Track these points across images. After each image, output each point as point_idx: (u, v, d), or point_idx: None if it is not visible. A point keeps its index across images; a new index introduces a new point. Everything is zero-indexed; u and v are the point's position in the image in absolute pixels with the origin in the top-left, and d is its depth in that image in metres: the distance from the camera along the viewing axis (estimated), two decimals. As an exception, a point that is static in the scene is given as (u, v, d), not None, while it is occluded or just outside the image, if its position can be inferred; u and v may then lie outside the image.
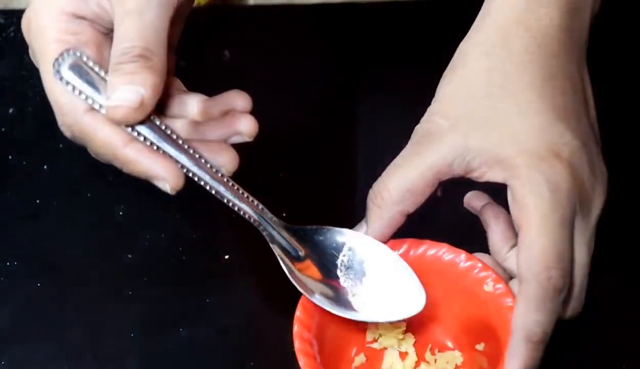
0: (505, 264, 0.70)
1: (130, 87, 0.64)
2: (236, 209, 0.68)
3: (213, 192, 0.67)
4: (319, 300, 0.68)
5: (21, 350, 0.76)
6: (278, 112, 0.88)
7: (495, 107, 0.67)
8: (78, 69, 0.65)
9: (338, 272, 0.69)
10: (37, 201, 0.83)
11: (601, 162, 0.69)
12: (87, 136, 0.66)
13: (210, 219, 0.82)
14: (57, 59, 0.65)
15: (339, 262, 0.70)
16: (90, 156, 0.85)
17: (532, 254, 0.65)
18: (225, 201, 0.68)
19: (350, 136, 0.87)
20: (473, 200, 0.73)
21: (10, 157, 0.86)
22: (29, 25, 0.68)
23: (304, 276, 0.68)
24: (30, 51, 0.69)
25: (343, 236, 0.70)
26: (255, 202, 0.68)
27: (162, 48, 0.66)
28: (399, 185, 0.68)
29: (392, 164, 0.70)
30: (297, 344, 0.67)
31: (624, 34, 0.93)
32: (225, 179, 0.68)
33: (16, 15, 0.93)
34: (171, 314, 0.78)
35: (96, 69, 0.66)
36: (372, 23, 0.93)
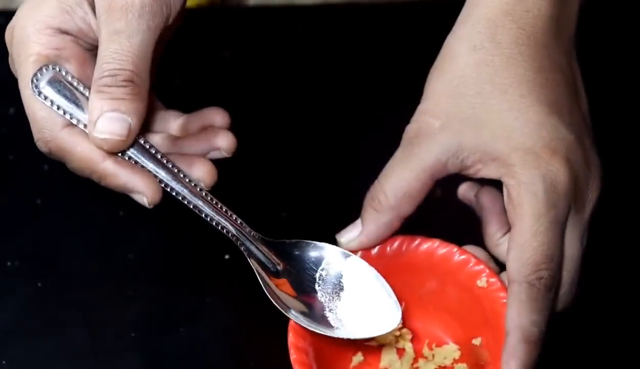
0: (496, 250, 0.70)
1: (117, 116, 0.64)
2: (214, 223, 0.67)
3: (191, 206, 0.67)
4: (294, 316, 0.68)
5: (21, 350, 0.76)
6: (277, 112, 0.88)
7: (486, 103, 0.67)
8: (57, 84, 0.65)
9: (316, 286, 0.69)
10: (37, 201, 0.83)
11: (595, 155, 0.69)
12: (65, 151, 0.66)
13: (210, 219, 0.82)
14: (35, 74, 0.65)
15: (317, 276, 0.69)
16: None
17: (523, 255, 0.65)
18: (203, 215, 0.67)
19: (349, 136, 0.87)
20: (468, 192, 0.73)
21: (10, 157, 0.86)
22: (12, 35, 0.67)
23: (281, 292, 0.68)
24: (9, 60, 0.68)
25: (322, 250, 0.70)
26: (234, 216, 0.68)
27: (147, 73, 0.66)
28: (396, 189, 0.68)
29: (387, 166, 0.69)
30: (293, 355, 0.67)
31: (611, 25, 0.92)
32: (203, 194, 0.67)
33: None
34: (171, 314, 0.78)
35: (75, 84, 0.65)
36: (373, 24, 0.93)
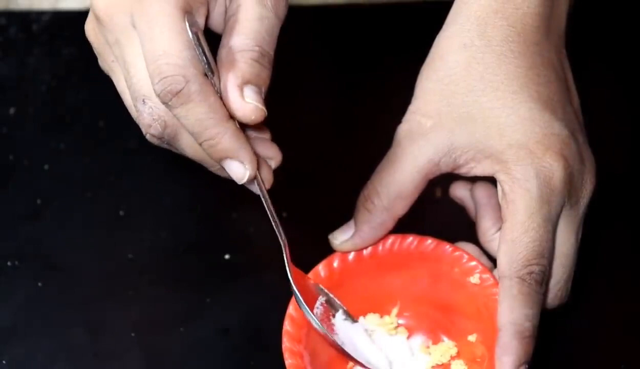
0: (489, 245, 0.70)
1: (258, 91, 0.65)
2: (272, 223, 0.67)
3: (264, 202, 0.67)
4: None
5: (21, 350, 0.76)
6: (276, 112, 0.88)
7: (478, 101, 0.67)
8: (196, 35, 0.64)
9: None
10: (37, 201, 0.83)
11: (588, 150, 0.69)
12: (197, 97, 0.63)
13: (210, 219, 0.82)
14: (188, 14, 0.64)
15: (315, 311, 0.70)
16: (89, 156, 0.86)
17: (514, 251, 0.65)
18: (268, 212, 0.67)
19: (349, 137, 0.87)
20: (460, 190, 0.73)
21: (10, 157, 0.86)
22: None
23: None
24: (108, 19, 0.65)
25: (322, 290, 0.70)
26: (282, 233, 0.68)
27: None
28: (389, 190, 0.68)
29: (379, 167, 0.69)
30: (287, 359, 0.68)
31: (602, 23, 0.92)
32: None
33: (16, 15, 0.93)
34: (171, 314, 0.78)
35: (206, 43, 0.64)
36: (372, 25, 0.93)
